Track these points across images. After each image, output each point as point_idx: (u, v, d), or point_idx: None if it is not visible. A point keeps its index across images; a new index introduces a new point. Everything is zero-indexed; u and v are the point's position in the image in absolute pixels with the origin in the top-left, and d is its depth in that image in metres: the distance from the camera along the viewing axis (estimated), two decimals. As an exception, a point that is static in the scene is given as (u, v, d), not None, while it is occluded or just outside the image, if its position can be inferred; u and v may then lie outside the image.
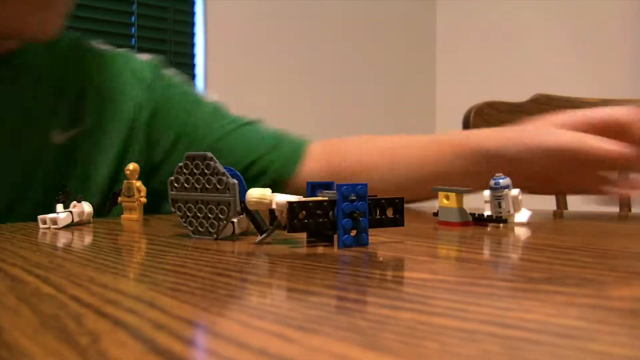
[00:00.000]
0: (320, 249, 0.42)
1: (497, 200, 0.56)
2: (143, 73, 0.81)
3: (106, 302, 0.26)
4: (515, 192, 0.56)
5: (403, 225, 0.44)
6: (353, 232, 0.42)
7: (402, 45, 2.64)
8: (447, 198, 0.55)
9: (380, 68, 2.58)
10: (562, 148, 0.60)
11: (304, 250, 0.41)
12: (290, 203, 0.41)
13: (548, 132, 0.62)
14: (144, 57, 0.84)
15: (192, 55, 2.18)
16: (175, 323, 0.23)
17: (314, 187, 0.48)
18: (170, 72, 0.85)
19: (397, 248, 0.42)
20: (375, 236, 0.47)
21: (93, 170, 0.76)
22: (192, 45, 2.18)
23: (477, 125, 1.05)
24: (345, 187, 0.42)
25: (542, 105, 1.09)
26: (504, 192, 0.56)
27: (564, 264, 0.34)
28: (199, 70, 2.17)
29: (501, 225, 0.55)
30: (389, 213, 0.44)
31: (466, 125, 1.06)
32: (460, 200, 0.55)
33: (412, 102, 2.61)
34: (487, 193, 0.57)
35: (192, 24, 2.18)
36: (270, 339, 0.20)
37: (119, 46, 0.85)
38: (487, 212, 0.57)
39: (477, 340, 0.19)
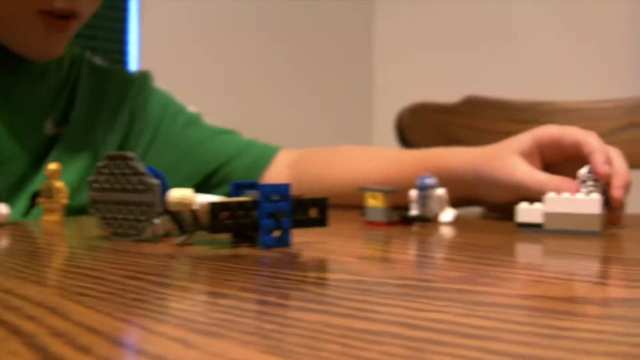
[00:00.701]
0: (242, 250, 0.41)
1: (423, 199, 0.57)
2: (131, 83, 0.84)
3: (6, 309, 0.25)
4: (440, 191, 0.57)
5: (326, 225, 0.43)
6: (276, 233, 0.41)
7: (339, 45, 2.65)
8: (374, 198, 0.55)
9: (316, 69, 2.59)
10: (515, 185, 0.58)
11: (225, 251, 0.41)
12: (211, 203, 0.40)
13: (506, 164, 0.59)
14: (134, 71, 0.87)
15: (124, 53, 2.13)
16: (74, 330, 0.22)
17: (238, 187, 0.47)
18: (157, 86, 0.88)
19: (320, 248, 0.41)
20: (300, 237, 0.46)
21: (66, 170, 0.76)
22: (124, 42, 2.12)
23: (411, 125, 1.06)
24: (266, 187, 0.41)
25: (474, 106, 1.11)
26: (430, 192, 0.56)
27: (481, 263, 0.34)
28: (132, 67, 2.12)
29: (426, 224, 0.55)
30: (313, 213, 0.44)
31: (400, 125, 1.07)
32: (387, 200, 0.55)
33: (348, 103, 2.62)
34: (413, 193, 0.58)
35: (124, 21, 2.12)
36: (170, 344, 0.19)
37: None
38: (414, 212, 0.57)
39: (380, 342, 0.19)
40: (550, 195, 0.47)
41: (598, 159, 0.52)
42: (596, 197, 0.47)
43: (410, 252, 0.41)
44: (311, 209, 0.44)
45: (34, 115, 0.76)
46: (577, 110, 1.09)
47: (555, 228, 0.45)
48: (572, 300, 0.25)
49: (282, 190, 0.41)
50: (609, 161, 0.52)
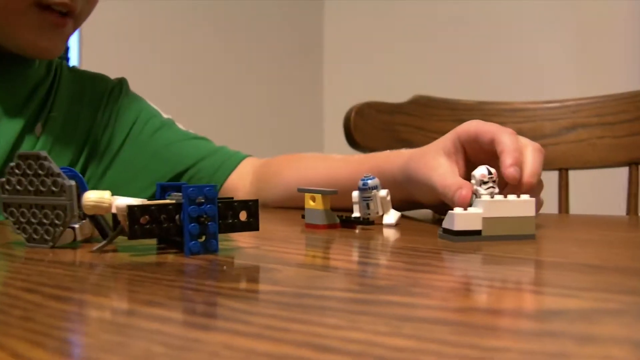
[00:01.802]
0: (166, 257, 0.38)
1: (365, 201, 0.55)
2: (111, 88, 0.85)
3: None
4: (383, 192, 0.55)
5: (257, 229, 0.41)
6: (203, 238, 0.39)
7: (289, 45, 2.62)
8: (314, 200, 0.53)
9: (266, 69, 2.55)
10: (432, 187, 0.54)
11: (148, 258, 0.38)
12: (130, 207, 0.37)
13: (428, 164, 0.56)
14: (113, 78, 0.87)
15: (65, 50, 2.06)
16: None
17: (163, 189, 0.44)
18: (133, 92, 0.88)
19: (249, 255, 0.39)
20: (230, 241, 0.43)
21: None
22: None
23: (358, 125, 1.04)
24: (191, 189, 0.38)
25: (421, 106, 1.10)
26: (372, 193, 0.54)
27: (416, 270, 0.32)
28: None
29: (368, 227, 0.53)
30: (243, 217, 0.41)
31: (347, 126, 1.05)
32: (326, 202, 0.52)
33: (299, 104, 2.60)
34: (355, 194, 0.55)
35: None
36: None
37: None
38: (356, 214, 0.55)
39: (282, 369, 0.17)
40: (484, 198, 0.44)
41: (506, 161, 0.49)
42: (529, 198, 0.44)
43: (343, 258, 0.39)
44: (241, 212, 0.41)
45: (25, 118, 0.75)
46: (524, 110, 1.09)
47: (493, 234, 0.43)
48: (504, 313, 0.23)
49: (208, 192, 0.39)
50: (518, 163, 0.49)
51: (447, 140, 0.56)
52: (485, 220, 0.43)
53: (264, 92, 2.53)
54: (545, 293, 0.27)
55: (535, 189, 0.50)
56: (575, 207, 1.13)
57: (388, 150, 0.67)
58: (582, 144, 1.06)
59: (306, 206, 0.53)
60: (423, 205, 0.62)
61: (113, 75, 0.88)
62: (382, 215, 0.55)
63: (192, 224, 0.38)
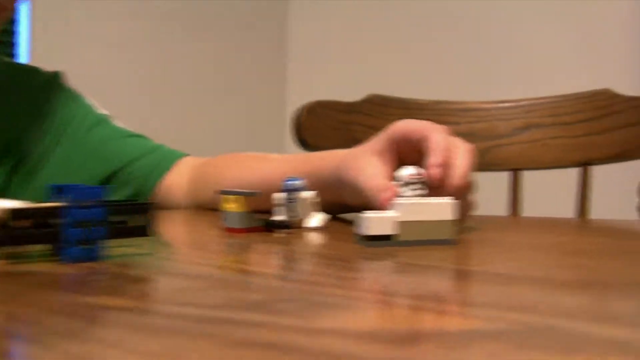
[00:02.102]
0: (45, 265, 0.35)
1: (289, 203, 0.52)
2: (45, 82, 0.82)
3: None
4: (307, 194, 0.52)
5: (151, 234, 0.38)
6: (89, 244, 0.35)
7: (252, 45, 2.58)
8: (233, 202, 0.50)
9: (229, 69, 2.51)
10: (359, 189, 0.52)
11: (25, 266, 0.34)
12: (9, 211, 0.34)
13: (358, 165, 0.53)
14: (48, 70, 0.84)
15: (13, 45, 1.97)
16: None
17: (57, 190, 0.41)
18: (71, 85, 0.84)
19: (138, 263, 0.36)
20: (129, 247, 0.40)
21: None
22: (13, 34, 1.97)
23: (308, 125, 1.01)
24: (75, 189, 0.35)
25: (376, 105, 1.07)
26: (297, 195, 0.51)
27: (310, 281, 0.29)
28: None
29: (289, 230, 0.50)
30: (136, 221, 0.38)
31: (297, 124, 1.02)
32: (247, 204, 0.49)
33: (262, 103, 2.56)
34: (278, 196, 0.52)
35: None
36: None
37: None
38: (279, 217, 0.52)
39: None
40: (400, 200, 0.42)
41: (432, 160, 0.46)
42: (448, 200, 0.42)
43: (241, 266, 0.36)
44: (136, 216, 0.38)
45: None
46: (477, 110, 1.07)
47: (409, 239, 0.40)
48: (364, 335, 0.21)
49: (94, 194, 0.35)
50: (444, 163, 0.46)
51: (378, 140, 0.54)
52: (401, 224, 0.40)
53: (226, 92, 2.49)
54: (427, 309, 0.24)
55: (463, 191, 0.47)
56: (530, 209, 1.11)
57: (326, 151, 0.65)
58: (536, 144, 1.04)
59: (224, 209, 0.50)
60: (353, 208, 0.59)
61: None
62: (307, 218, 0.52)
63: (73, 229, 0.35)
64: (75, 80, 0.85)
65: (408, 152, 0.52)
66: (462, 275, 0.32)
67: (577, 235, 0.51)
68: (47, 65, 0.86)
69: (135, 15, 2.24)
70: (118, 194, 0.79)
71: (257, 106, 2.51)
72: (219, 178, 0.73)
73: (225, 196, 0.50)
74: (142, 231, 0.38)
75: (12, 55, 1.96)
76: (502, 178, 1.10)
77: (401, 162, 0.51)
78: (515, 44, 2.12)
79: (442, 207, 0.41)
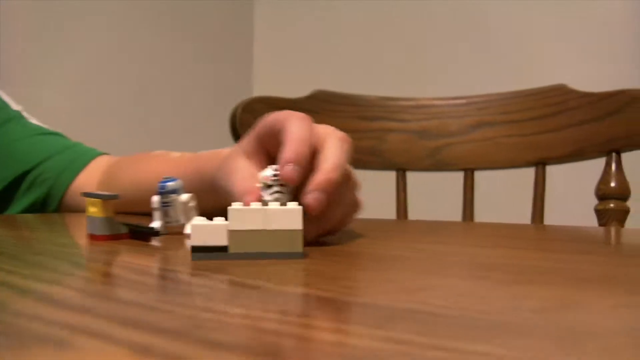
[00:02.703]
0: None
1: (164, 207, 0.47)
2: None
3: None
4: (185, 197, 0.47)
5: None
6: None
7: (219, 42, 2.53)
8: (95, 205, 0.45)
9: (195, 66, 2.46)
10: (233, 193, 0.45)
11: None
12: None
13: (228, 167, 0.48)
14: None
15: None
16: None
17: None
18: None
19: None
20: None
21: None
22: None
23: (245, 122, 0.96)
24: None
25: (320, 101, 1.03)
26: (172, 198, 0.46)
27: (144, 303, 0.24)
28: None
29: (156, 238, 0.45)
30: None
31: (233, 122, 0.97)
32: (107, 208, 0.44)
33: (228, 101, 2.51)
34: (155, 199, 0.47)
35: None
36: None
37: None
38: (156, 222, 0.47)
39: None
40: (234, 205, 0.37)
41: (282, 156, 0.40)
42: (295, 207, 0.36)
43: (74, 284, 0.30)
44: None
45: None
46: (429, 107, 1.02)
47: (244, 251, 0.34)
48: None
49: None
50: (299, 157, 0.40)
51: (247, 138, 0.48)
52: (233, 233, 0.35)
53: (192, 87, 2.44)
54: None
55: (336, 189, 0.41)
56: (485, 211, 1.06)
57: (217, 150, 0.59)
58: (488, 142, 0.99)
59: (87, 213, 0.45)
60: None
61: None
62: (185, 223, 0.47)
63: None
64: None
65: (277, 149, 0.45)
66: (274, 297, 0.27)
67: (503, 248, 0.46)
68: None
69: (100, 12, 2.19)
70: (27, 197, 0.74)
71: (224, 103, 2.46)
72: (118, 180, 0.69)
73: (88, 199, 0.45)
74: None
75: None
76: (455, 178, 1.06)
77: (273, 159, 0.45)
78: (509, 40, 2.07)
79: (288, 214, 0.36)
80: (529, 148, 0.97)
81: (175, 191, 0.47)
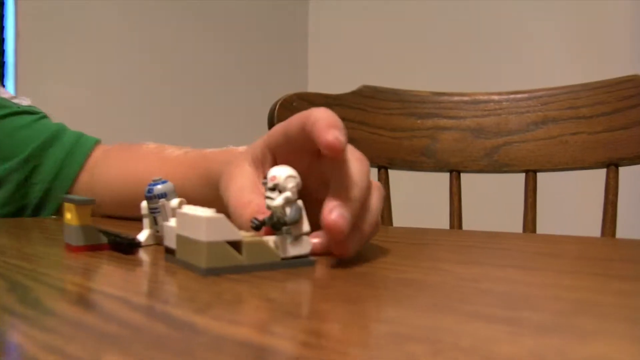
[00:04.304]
0: None
1: (153, 213, 0.41)
2: None
3: None
4: (174, 202, 0.41)
5: None
6: None
7: (274, 40, 2.49)
8: (70, 211, 0.39)
9: (250, 64, 2.42)
10: (229, 204, 0.41)
11: None
12: None
13: (231, 173, 0.44)
14: None
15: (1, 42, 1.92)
16: None
17: None
18: None
19: None
20: None
21: None
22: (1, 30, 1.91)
23: (282, 119, 0.89)
24: None
25: (365, 97, 0.95)
26: (161, 203, 0.40)
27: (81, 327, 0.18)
28: (9, 59, 1.92)
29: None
30: None
31: (271, 119, 0.91)
32: (83, 215, 0.39)
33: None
34: (144, 204, 0.41)
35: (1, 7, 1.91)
36: None
37: None
38: (145, 231, 0.41)
39: None
40: (244, 235, 0.31)
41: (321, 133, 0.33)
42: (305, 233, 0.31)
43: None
44: None
45: None
46: (485, 102, 0.93)
47: (181, 258, 0.30)
48: None
49: None
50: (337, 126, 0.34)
51: (257, 146, 0.42)
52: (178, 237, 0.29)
53: (246, 82, 2.41)
54: None
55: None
56: (548, 217, 0.96)
57: (226, 149, 0.53)
58: (553, 141, 0.89)
59: (64, 220, 0.40)
60: None
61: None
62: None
63: None
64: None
65: (287, 157, 0.39)
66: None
67: (586, 275, 0.37)
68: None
69: (157, 15, 2.18)
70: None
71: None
72: (105, 182, 0.63)
73: (65, 204, 0.40)
74: None
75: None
76: (515, 181, 0.96)
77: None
78: (521, 38, 1.94)
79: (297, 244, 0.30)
80: (599, 147, 0.87)
81: (164, 195, 0.41)
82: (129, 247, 0.39)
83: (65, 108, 1.91)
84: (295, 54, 2.54)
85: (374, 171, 0.93)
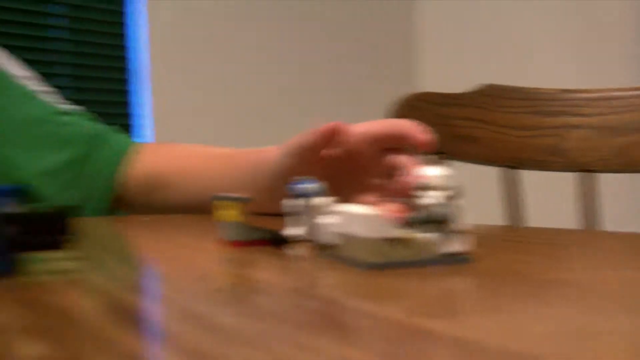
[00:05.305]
0: None
1: (297, 211, 0.42)
2: None
3: None
4: (319, 200, 0.42)
5: (60, 247, 0.30)
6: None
7: (380, 37, 2.48)
8: (226, 209, 0.41)
9: (356, 62, 2.43)
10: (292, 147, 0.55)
11: None
12: None
13: (272, 162, 0.57)
14: None
15: (124, 48, 2.03)
16: None
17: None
18: None
19: (45, 282, 0.28)
20: (49, 261, 0.33)
21: None
22: (124, 43, 2.03)
23: (401, 118, 0.89)
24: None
25: (487, 96, 0.93)
26: (304, 201, 0.42)
27: (249, 334, 0.20)
28: (140, 64, 2.02)
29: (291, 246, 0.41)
30: (50, 231, 0.31)
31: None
32: (240, 212, 0.41)
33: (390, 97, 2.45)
34: (286, 203, 0.43)
35: (128, 15, 2.03)
36: None
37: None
38: (290, 229, 0.43)
39: None
40: (374, 233, 0.32)
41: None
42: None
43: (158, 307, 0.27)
44: (43, 226, 0.31)
45: None
46: (617, 98, 0.89)
47: (341, 253, 0.32)
48: None
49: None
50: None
51: (293, 150, 0.55)
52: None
53: (355, 86, 2.42)
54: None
55: None
56: None
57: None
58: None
59: (218, 217, 0.42)
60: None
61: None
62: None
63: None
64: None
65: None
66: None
67: None
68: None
69: (246, 15, 2.24)
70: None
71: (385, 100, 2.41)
72: (161, 176, 0.67)
73: (218, 201, 0.42)
74: (50, 244, 0.30)
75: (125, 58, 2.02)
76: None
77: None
78: None
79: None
80: None
81: (307, 194, 0.42)
82: (280, 243, 0.40)
83: (193, 111, 2.01)
84: (403, 54, 2.53)
85: (499, 171, 0.91)
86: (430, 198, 0.34)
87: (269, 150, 0.60)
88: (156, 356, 0.18)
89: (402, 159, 0.52)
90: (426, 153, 0.48)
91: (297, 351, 0.18)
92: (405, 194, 0.49)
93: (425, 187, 0.35)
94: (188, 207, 0.66)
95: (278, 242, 0.40)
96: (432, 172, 0.35)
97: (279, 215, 0.45)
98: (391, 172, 0.55)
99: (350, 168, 0.55)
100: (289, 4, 2.28)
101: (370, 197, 0.55)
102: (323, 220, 0.37)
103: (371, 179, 0.56)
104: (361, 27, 2.44)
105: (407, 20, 2.54)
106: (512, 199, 0.90)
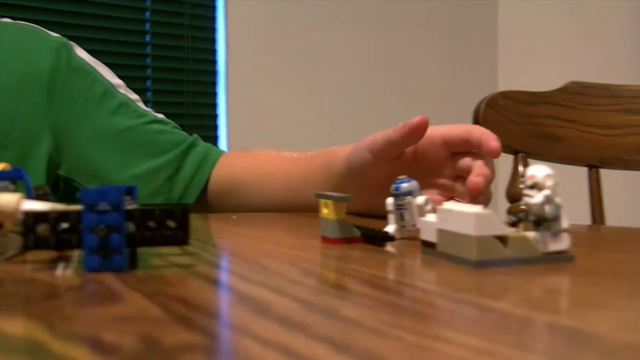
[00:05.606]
0: (62, 274, 0.31)
1: (399, 210, 0.43)
2: (47, 48, 0.73)
3: None
4: (421, 200, 0.43)
5: (185, 242, 0.32)
6: (107, 252, 0.31)
7: (464, 38, 2.45)
8: (327, 207, 0.43)
9: (440, 64, 2.41)
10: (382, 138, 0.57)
11: (40, 273, 0.31)
12: (26, 214, 0.31)
13: (346, 160, 0.60)
14: (53, 35, 0.75)
15: (213, 52, 2.07)
16: None
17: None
18: (80, 56, 0.75)
19: (166, 275, 0.31)
20: (167, 256, 0.36)
21: None
22: (213, 41, 2.07)
23: (488, 118, 0.89)
24: (89, 192, 0.31)
25: (572, 94, 0.92)
26: (407, 200, 0.43)
27: (369, 324, 0.22)
28: (221, 67, 2.07)
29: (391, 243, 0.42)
30: (171, 227, 0.33)
31: (476, 119, 0.91)
32: (339, 211, 0.42)
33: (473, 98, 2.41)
34: (390, 201, 0.44)
35: (212, 19, 2.07)
36: None
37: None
38: (390, 226, 0.44)
39: None
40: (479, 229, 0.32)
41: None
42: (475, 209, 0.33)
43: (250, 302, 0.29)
44: (167, 221, 0.33)
45: None
46: None
47: (445, 251, 0.34)
48: None
49: (111, 197, 0.31)
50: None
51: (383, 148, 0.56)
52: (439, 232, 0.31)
53: (437, 87, 2.40)
54: None
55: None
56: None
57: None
58: None
59: (320, 215, 0.44)
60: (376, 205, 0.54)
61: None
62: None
63: (90, 236, 0.31)
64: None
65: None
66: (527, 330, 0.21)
67: None
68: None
69: (324, 14, 2.25)
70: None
71: (470, 101, 2.38)
72: (241, 180, 0.71)
73: (321, 200, 0.43)
74: (175, 239, 0.33)
75: (213, 72, 2.07)
76: None
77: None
78: None
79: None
80: None
81: (410, 193, 0.43)
82: (382, 240, 0.42)
83: (271, 112, 2.05)
84: (485, 53, 2.50)
85: (585, 170, 0.90)
86: (538, 197, 0.35)
87: (342, 149, 0.62)
88: (293, 342, 0.19)
89: (470, 162, 0.53)
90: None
91: (417, 338, 0.19)
92: (470, 195, 0.50)
93: (533, 187, 0.35)
94: (260, 210, 0.69)
95: (380, 239, 0.42)
96: (540, 172, 0.35)
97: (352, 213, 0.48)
98: (459, 174, 0.55)
99: (419, 167, 0.56)
100: (372, 5, 2.29)
101: (436, 196, 0.56)
102: (427, 218, 0.38)
103: (438, 179, 0.57)
104: (448, 27, 2.43)
105: (492, 20, 2.51)
106: (595, 198, 0.88)
